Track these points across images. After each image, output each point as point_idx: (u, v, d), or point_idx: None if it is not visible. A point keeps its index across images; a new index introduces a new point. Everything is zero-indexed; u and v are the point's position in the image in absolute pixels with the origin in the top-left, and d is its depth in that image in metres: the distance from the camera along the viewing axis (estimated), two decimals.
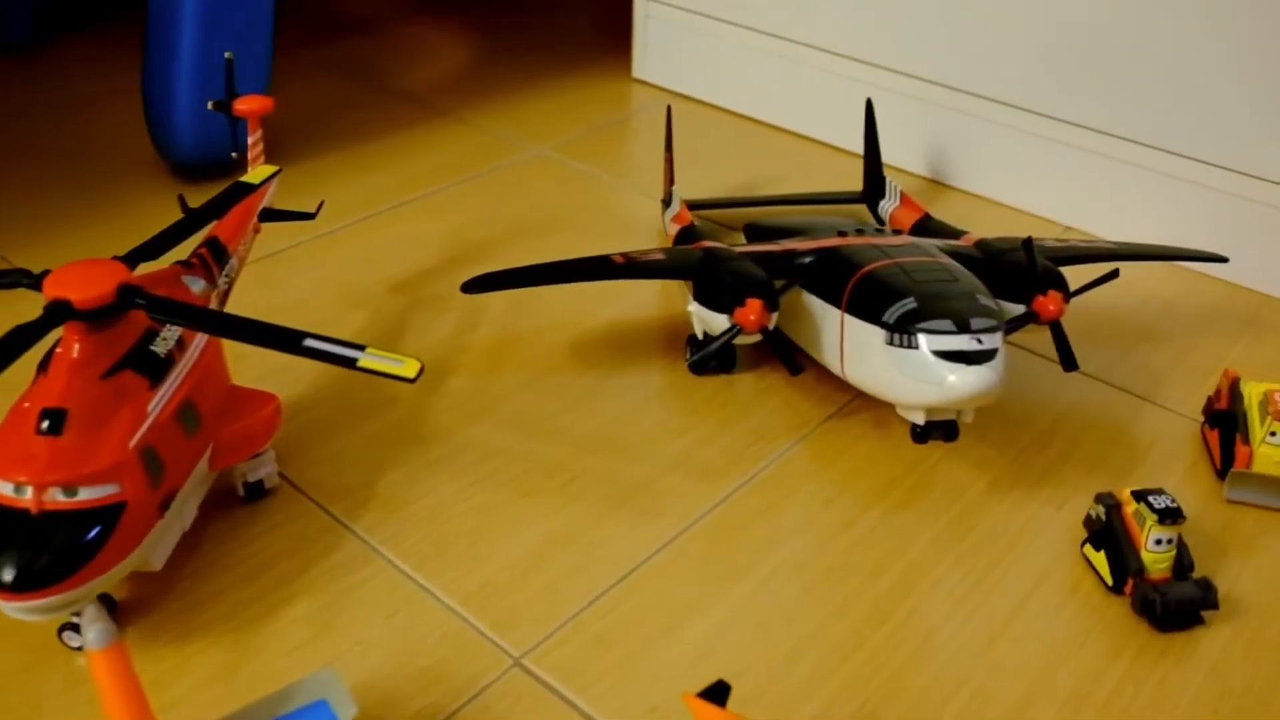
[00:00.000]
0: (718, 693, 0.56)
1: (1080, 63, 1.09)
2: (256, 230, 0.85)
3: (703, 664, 0.68)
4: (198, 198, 0.80)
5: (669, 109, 1.11)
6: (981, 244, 0.88)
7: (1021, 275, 0.80)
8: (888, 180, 1.08)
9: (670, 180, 1.08)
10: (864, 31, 1.24)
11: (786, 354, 0.79)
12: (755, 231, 1.03)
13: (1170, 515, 0.70)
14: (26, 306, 0.65)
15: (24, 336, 0.61)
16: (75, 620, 0.66)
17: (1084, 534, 0.77)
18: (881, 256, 0.78)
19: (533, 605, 0.71)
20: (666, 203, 1.08)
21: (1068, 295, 0.80)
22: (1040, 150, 1.15)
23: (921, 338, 0.72)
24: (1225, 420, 0.84)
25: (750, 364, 0.93)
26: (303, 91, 1.41)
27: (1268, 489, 0.81)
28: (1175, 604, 0.70)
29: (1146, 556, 0.71)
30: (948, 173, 1.24)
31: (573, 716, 0.64)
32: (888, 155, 1.25)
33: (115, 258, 0.66)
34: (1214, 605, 0.70)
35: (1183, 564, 0.72)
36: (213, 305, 0.76)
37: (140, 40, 1.14)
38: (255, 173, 0.82)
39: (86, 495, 0.61)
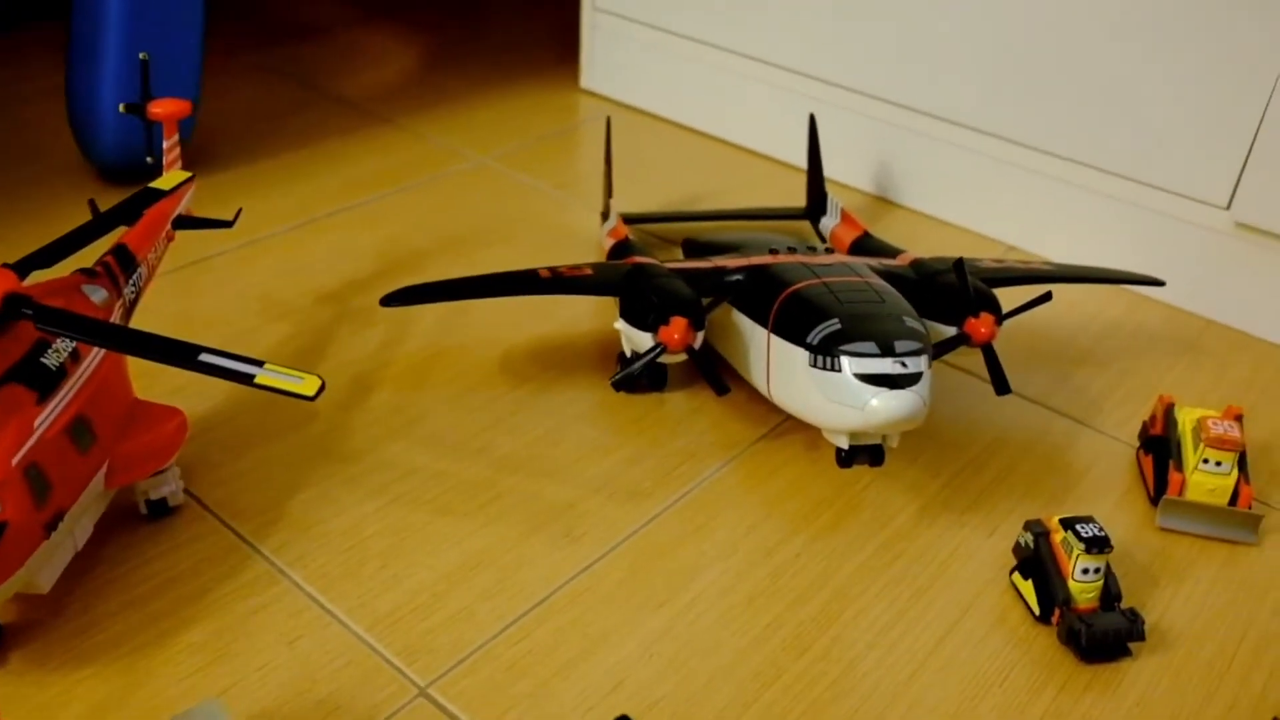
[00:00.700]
0: None
1: (1025, 82, 1.08)
2: (170, 238, 0.82)
3: (616, 694, 0.65)
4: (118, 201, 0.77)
5: (608, 120, 1.09)
6: (916, 264, 0.86)
7: (954, 296, 0.79)
8: (829, 197, 1.07)
9: (608, 193, 1.05)
10: (812, 46, 1.23)
11: (712, 373, 0.77)
12: (693, 247, 1.01)
13: (1097, 544, 0.69)
14: None
15: None
16: None
17: (1013, 561, 0.75)
18: (810, 276, 0.76)
19: (443, 631, 0.69)
20: (605, 216, 1.06)
21: (1000, 317, 0.79)
22: (985, 169, 1.14)
23: (844, 360, 0.70)
24: (1159, 446, 0.83)
25: (682, 383, 0.91)
26: (240, 96, 1.38)
27: (1200, 517, 0.79)
28: (1101, 635, 0.68)
29: (1074, 586, 0.70)
30: (893, 190, 1.23)
31: None
32: (834, 171, 1.24)
33: (4, 265, 0.63)
34: (1140, 637, 0.69)
35: (1110, 594, 0.71)
36: (116, 316, 0.73)
37: (64, 39, 1.10)
38: (167, 178, 0.79)
39: None
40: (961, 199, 1.17)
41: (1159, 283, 0.95)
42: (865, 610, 0.72)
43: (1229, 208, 1.00)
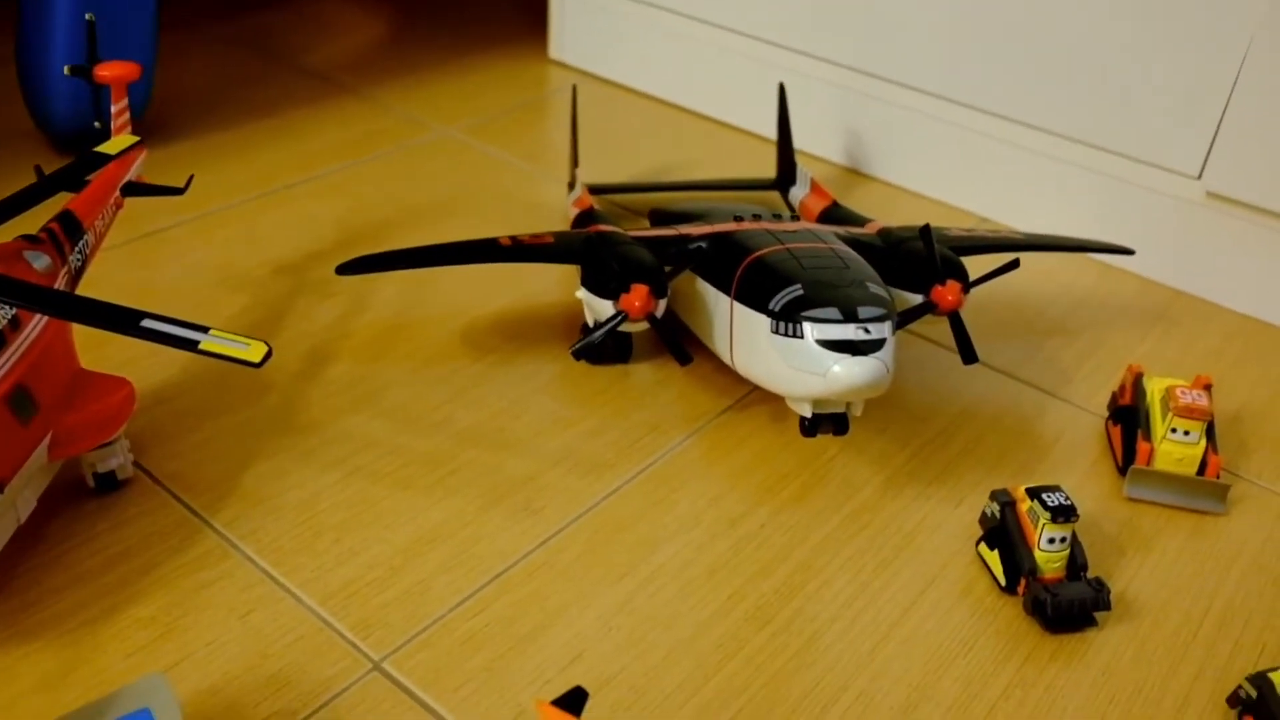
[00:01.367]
0: (574, 700, 0.53)
1: (996, 52, 1.07)
2: (119, 205, 0.79)
3: (573, 668, 0.64)
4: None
5: (574, 89, 1.07)
6: (884, 232, 0.85)
7: (920, 264, 0.78)
8: (799, 167, 1.05)
9: (574, 163, 1.04)
10: (782, 16, 1.21)
11: (674, 342, 0.75)
12: (660, 217, 0.99)
13: (1063, 513, 0.68)
14: None
15: None
16: None
17: (980, 532, 0.74)
18: (774, 242, 0.75)
19: (399, 605, 0.67)
20: (572, 186, 1.04)
21: (967, 285, 0.78)
22: (956, 140, 1.13)
23: (806, 326, 0.68)
24: (1128, 416, 0.82)
25: (648, 354, 0.90)
26: (203, 66, 1.35)
27: (1168, 486, 0.79)
28: (1066, 605, 0.67)
29: (1039, 555, 0.69)
30: (865, 161, 1.21)
31: None
32: (806, 143, 1.23)
33: None
34: (1106, 606, 0.68)
35: (1076, 563, 0.70)
36: (60, 283, 0.70)
37: (14, 3, 1.07)
38: (113, 142, 0.76)
39: None
40: (933, 170, 1.16)
41: (1128, 251, 0.94)
42: (829, 582, 0.71)
43: (1200, 177, 0.99)
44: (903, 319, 0.76)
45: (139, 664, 0.62)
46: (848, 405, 0.72)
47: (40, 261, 0.69)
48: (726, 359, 0.78)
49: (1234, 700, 0.64)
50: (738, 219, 0.83)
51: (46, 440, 0.66)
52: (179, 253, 0.99)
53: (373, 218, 1.06)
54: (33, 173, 0.77)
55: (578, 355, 0.73)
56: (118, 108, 0.82)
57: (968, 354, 0.77)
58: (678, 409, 0.84)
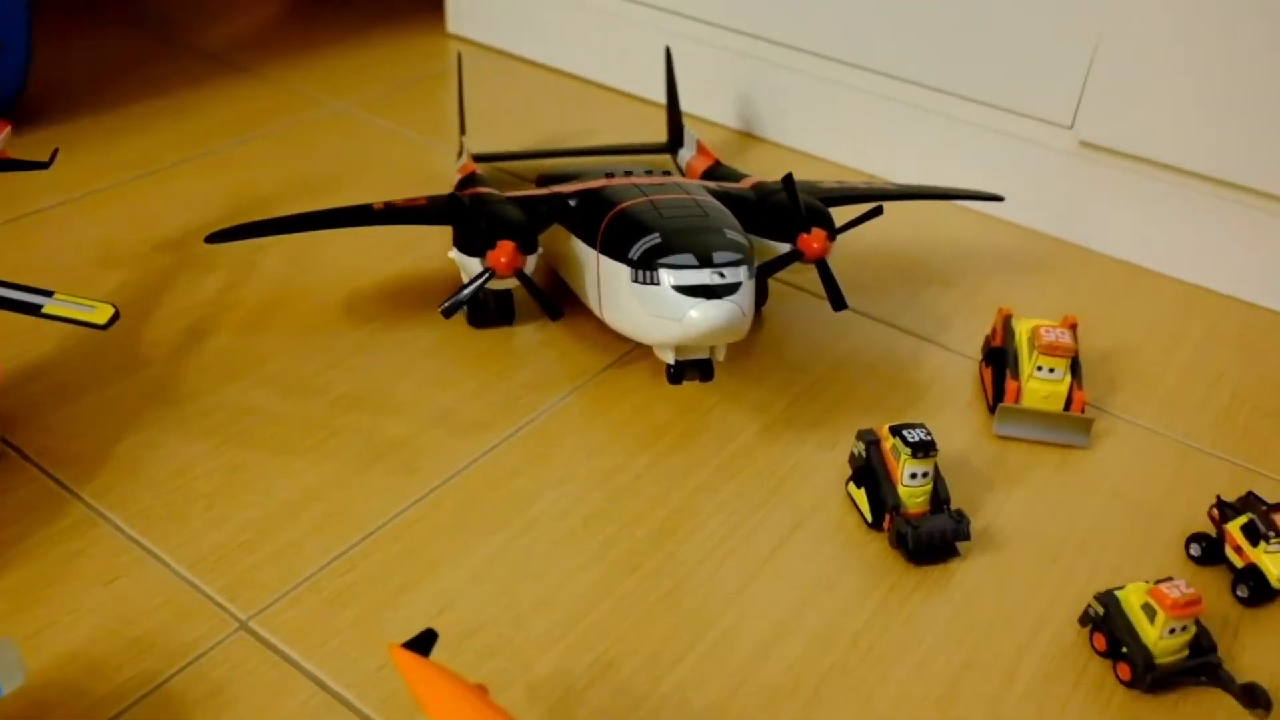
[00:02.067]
0: (423, 641, 0.54)
1: (876, 10, 1.08)
2: None
3: (442, 618, 0.64)
4: None
5: (459, 56, 1.07)
6: (757, 186, 0.86)
7: (785, 213, 0.79)
8: (686, 129, 1.06)
9: (461, 130, 1.04)
10: None
11: (543, 297, 0.76)
12: (545, 181, 1.00)
13: (923, 448, 0.70)
14: None
15: None
16: None
17: (850, 472, 0.76)
18: (638, 195, 0.76)
19: (269, 566, 0.67)
20: (461, 155, 1.04)
21: (833, 233, 0.79)
22: (842, 99, 1.14)
23: (663, 273, 0.69)
24: (998, 357, 0.84)
25: (534, 315, 0.90)
26: (93, 48, 1.33)
27: (1035, 423, 0.81)
28: (927, 536, 0.69)
29: (903, 491, 0.71)
30: (758, 124, 1.22)
31: (295, 677, 0.61)
32: (702, 109, 1.24)
33: None
34: (966, 536, 0.70)
35: (939, 497, 0.72)
36: None
37: None
38: None
39: None
40: (821, 130, 1.18)
41: (998, 198, 0.96)
42: (701, 526, 0.72)
43: (1072, 127, 1.02)
44: (770, 267, 0.77)
45: None
46: (711, 350, 0.73)
47: None
48: (598, 312, 0.79)
49: (1085, 619, 0.66)
50: (609, 176, 0.84)
51: None
52: (59, 231, 0.97)
53: (262, 193, 1.06)
54: None
55: (446, 312, 0.73)
56: None
57: (837, 300, 0.79)
58: (560, 368, 0.85)
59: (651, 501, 0.74)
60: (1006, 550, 0.72)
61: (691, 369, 0.73)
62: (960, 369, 0.88)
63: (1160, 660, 0.62)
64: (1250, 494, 0.71)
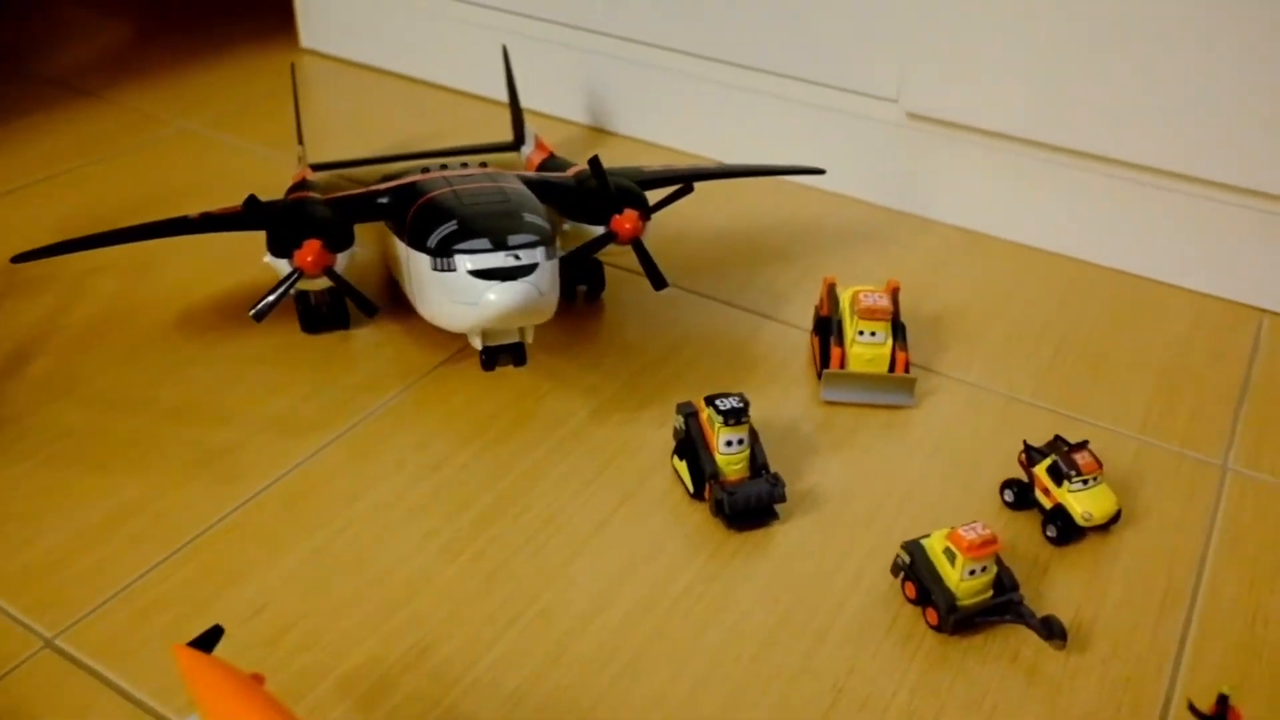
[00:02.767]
0: (208, 638, 0.53)
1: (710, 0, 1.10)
2: None
3: (254, 620, 0.64)
4: None
5: (292, 67, 1.07)
6: (579, 174, 0.87)
7: (597, 197, 0.80)
8: (527, 126, 1.07)
9: (299, 139, 1.03)
10: None
11: (356, 294, 0.76)
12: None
13: (733, 415, 0.71)
14: None
15: None
16: None
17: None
18: (444, 186, 0.76)
19: (80, 582, 0.66)
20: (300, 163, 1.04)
21: (647, 214, 0.80)
22: (681, 87, 1.16)
23: (459, 258, 0.70)
24: (825, 326, 0.86)
25: (368, 319, 0.90)
26: None
27: (859, 385, 0.83)
28: (743, 501, 0.70)
29: (720, 459, 0.72)
30: (605, 118, 1.23)
31: (101, 691, 0.60)
32: (551, 107, 1.25)
33: None
34: (781, 499, 0.71)
35: (757, 463, 0.73)
36: None
37: None
38: None
39: None
40: (665, 120, 1.19)
41: (819, 171, 0.98)
42: (526, 510, 0.72)
43: (898, 100, 1.04)
44: (585, 250, 0.78)
45: None
46: (521, 333, 0.74)
47: None
48: (416, 307, 0.79)
49: (895, 568, 0.67)
50: (425, 171, 0.84)
51: None
52: None
53: (101, 215, 1.04)
54: None
55: (257, 316, 0.73)
56: None
57: (656, 280, 0.80)
58: (393, 368, 0.85)
59: (477, 489, 0.74)
60: (828, 510, 0.73)
61: (504, 354, 0.74)
62: (795, 341, 0.90)
63: (963, 602, 0.64)
64: (1056, 437, 0.74)
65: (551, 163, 0.98)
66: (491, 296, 0.68)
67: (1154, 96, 0.92)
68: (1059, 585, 0.68)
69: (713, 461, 0.72)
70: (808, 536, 0.71)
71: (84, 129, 1.20)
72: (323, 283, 0.76)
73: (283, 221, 0.76)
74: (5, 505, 0.71)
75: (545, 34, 1.22)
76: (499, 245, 0.69)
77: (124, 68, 1.36)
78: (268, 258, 0.78)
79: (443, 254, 0.70)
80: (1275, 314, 0.95)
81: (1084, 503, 0.70)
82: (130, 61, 1.38)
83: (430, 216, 0.73)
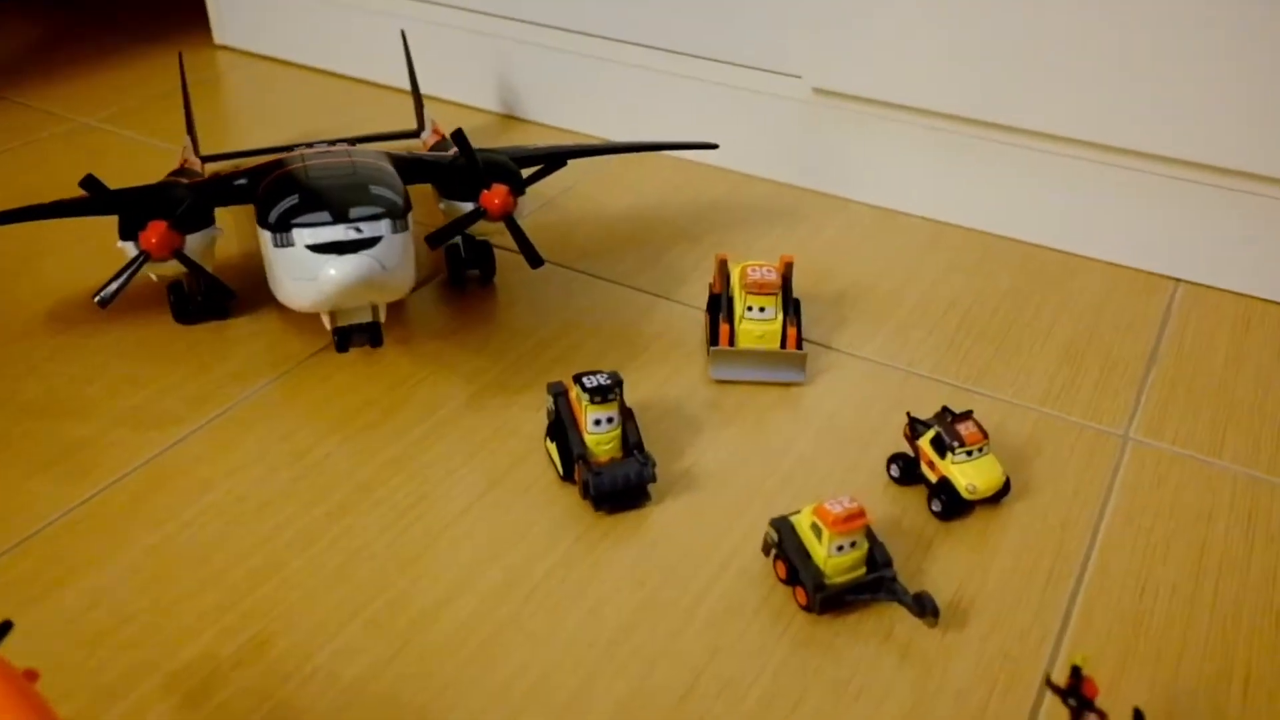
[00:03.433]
0: None
1: None
2: None
3: (86, 616, 0.60)
4: None
5: (180, 56, 1.04)
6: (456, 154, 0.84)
7: (465, 173, 0.76)
8: (425, 113, 1.04)
9: (188, 129, 1.00)
10: None
11: (210, 278, 0.72)
12: None
13: (600, 393, 0.67)
14: None
15: None
16: None
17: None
18: (298, 164, 0.73)
19: None
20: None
21: (519, 189, 0.77)
22: (592, 72, 1.13)
23: (297, 233, 0.66)
24: (715, 303, 0.83)
25: (249, 306, 0.87)
26: None
27: (748, 362, 0.79)
28: (610, 483, 0.67)
29: (589, 439, 0.68)
30: (517, 105, 1.20)
31: None
32: (462, 95, 1.22)
33: None
34: (651, 479, 0.67)
35: (629, 442, 0.70)
36: None
37: None
38: None
39: None
40: (575, 104, 1.16)
41: (712, 146, 0.94)
42: (387, 498, 0.69)
43: (802, 76, 1.01)
44: (455, 226, 0.75)
45: None
46: (374, 312, 0.71)
47: None
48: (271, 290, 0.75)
49: (765, 548, 0.64)
50: (289, 150, 0.81)
51: None
52: None
53: None
54: None
55: (102, 303, 0.69)
56: None
57: (531, 258, 0.76)
58: (266, 356, 0.82)
59: (337, 478, 0.70)
60: (706, 490, 0.70)
61: (359, 334, 0.70)
62: (690, 320, 0.87)
63: (832, 580, 0.61)
64: (944, 408, 0.70)
65: (442, 145, 0.95)
66: (331, 271, 0.65)
67: (1060, 64, 0.89)
68: (943, 561, 0.65)
69: (581, 442, 0.68)
70: (682, 517, 0.68)
71: None
72: (175, 267, 0.73)
73: (124, 202, 0.73)
74: None
75: (455, 20, 1.19)
76: (339, 218, 0.66)
77: (28, 68, 1.32)
78: (119, 243, 0.75)
79: (281, 229, 0.67)
80: (1189, 282, 0.93)
81: (968, 475, 0.67)
82: (36, 61, 1.35)
83: (273, 193, 0.70)
